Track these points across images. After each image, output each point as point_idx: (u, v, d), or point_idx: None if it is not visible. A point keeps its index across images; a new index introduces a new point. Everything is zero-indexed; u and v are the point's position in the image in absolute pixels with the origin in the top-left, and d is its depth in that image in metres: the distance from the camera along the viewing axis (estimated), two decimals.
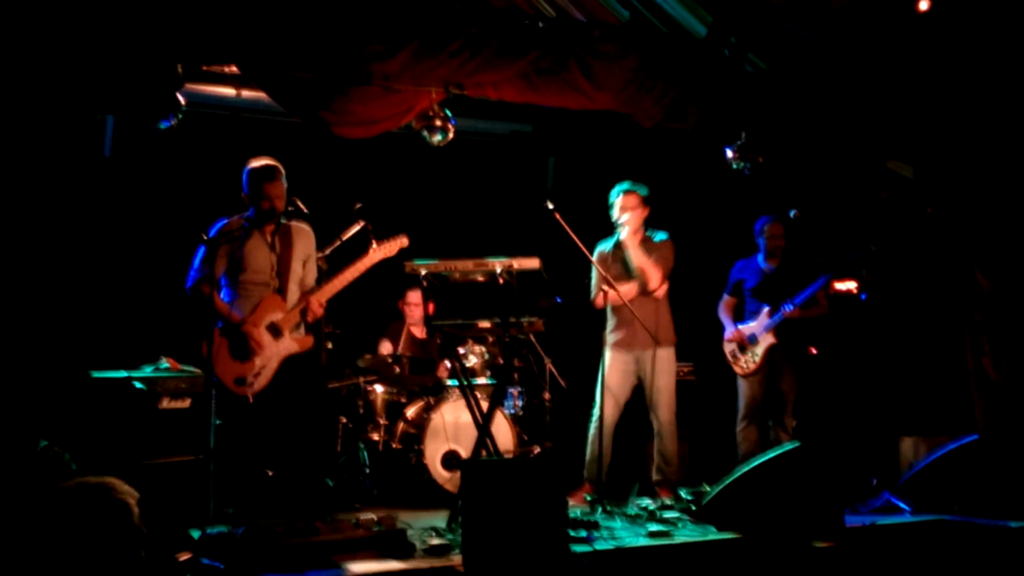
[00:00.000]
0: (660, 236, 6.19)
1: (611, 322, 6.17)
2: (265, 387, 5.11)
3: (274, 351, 5.14)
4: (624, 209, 6.06)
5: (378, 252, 5.41)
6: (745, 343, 6.54)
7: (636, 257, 6.02)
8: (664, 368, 6.06)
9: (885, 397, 6.88)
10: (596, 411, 6.04)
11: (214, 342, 4.96)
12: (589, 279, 6.17)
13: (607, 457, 5.97)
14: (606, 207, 6.25)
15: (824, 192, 6.91)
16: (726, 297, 6.82)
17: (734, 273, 6.80)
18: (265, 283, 5.19)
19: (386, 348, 7.25)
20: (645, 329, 5.91)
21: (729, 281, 6.82)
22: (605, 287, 5.93)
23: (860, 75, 6.40)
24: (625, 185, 6.14)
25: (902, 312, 7.05)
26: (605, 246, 6.23)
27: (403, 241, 5.52)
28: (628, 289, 5.97)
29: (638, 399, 6.17)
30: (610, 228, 6.22)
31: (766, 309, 6.51)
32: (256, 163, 5.22)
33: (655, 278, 6.02)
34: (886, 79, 6.38)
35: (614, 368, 6.05)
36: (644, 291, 6.01)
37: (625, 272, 6.07)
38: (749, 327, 6.56)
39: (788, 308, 6.39)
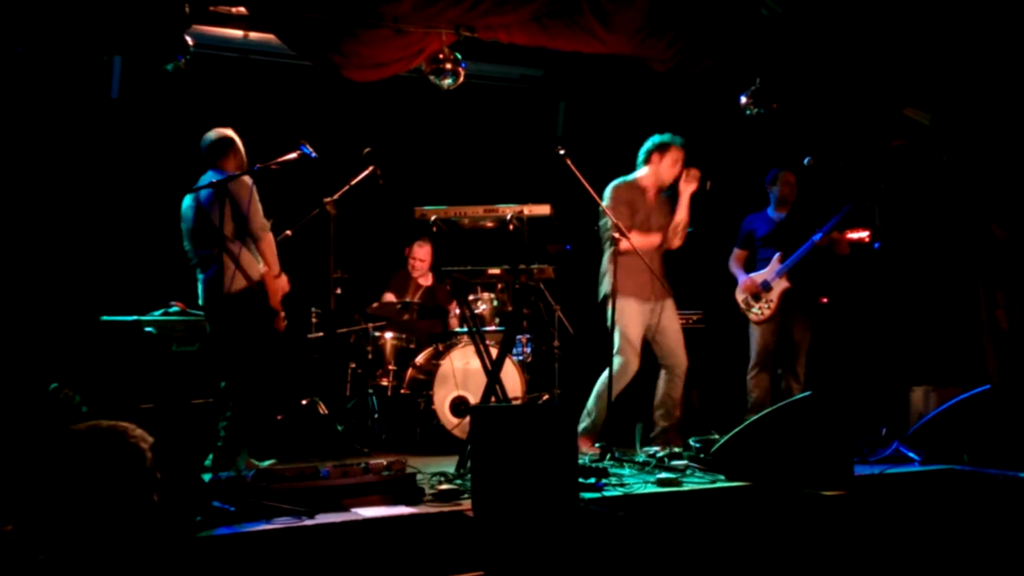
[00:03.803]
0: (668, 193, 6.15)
1: (627, 270, 5.92)
2: None
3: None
4: (683, 163, 6.00)
5: None
6: (759, 290, 6.49)
7: (685, 213, 5.98)
8: (675, 316, 6.06)
9: (896, 347, 6.85)
10: (619, 361, 5.83)
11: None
12: (599, 222, 5.96)
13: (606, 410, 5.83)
14: (617, 153, 6.16)
15: (839, 140, 6.82)
16: (736, 251, 6.76)
17: (744, 226, 6.74)
18: None
19: (390, 299, 7.22)
20: (660, 280, 5.92)
21: (740, 234, 6.76)
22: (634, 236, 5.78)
23: (878, 20, 6.28)
24: (680, 140, 6.06)
25: (915, 262, 7.00)
26: (627, 186, 6.02)
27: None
28: (654, 239, 5.96)
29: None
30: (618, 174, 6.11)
31: (777, 255, 6.46)
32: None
33: (683, 236, 6.05)
34: (905, 24, 6.26)
35: (635, 318, 5.90)
36: (664, 244, 6.00)
37: (656, 220, 5.98)
38: (761, 274, 6.51)
39: (817, 237, 6.31)
